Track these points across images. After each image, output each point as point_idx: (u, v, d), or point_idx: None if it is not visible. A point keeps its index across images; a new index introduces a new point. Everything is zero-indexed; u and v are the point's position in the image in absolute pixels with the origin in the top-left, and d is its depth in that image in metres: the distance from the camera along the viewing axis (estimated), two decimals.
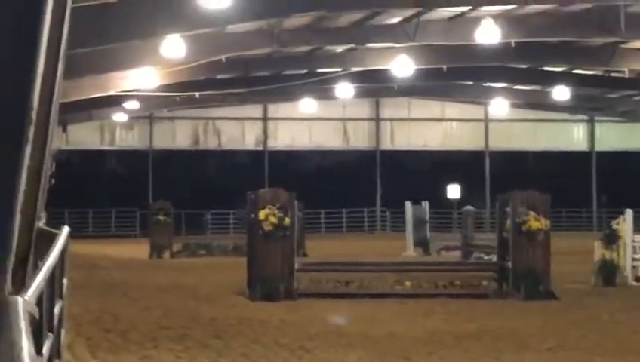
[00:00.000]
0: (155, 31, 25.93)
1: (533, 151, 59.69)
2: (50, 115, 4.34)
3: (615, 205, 46.91)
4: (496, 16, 28.46)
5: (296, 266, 20.47)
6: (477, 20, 28.62)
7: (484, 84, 49.81)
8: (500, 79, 46.41)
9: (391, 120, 58.71)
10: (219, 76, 40.15)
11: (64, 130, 50.45)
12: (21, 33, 2.94)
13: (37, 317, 3.95)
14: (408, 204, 37.94)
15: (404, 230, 38.09)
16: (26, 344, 2.88)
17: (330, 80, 41.90)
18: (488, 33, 27.94)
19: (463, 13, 30.14)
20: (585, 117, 59.77)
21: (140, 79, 35.81)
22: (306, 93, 48.05)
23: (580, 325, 16.03)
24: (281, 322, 16.32)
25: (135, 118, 53.76)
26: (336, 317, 16.86)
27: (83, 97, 35.57)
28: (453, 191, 54.31)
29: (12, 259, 3.17)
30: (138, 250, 36.24)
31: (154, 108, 50.96)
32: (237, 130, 57.06)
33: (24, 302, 3.30)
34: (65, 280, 8.40)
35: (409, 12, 29.65)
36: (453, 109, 58.39)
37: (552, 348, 13.74)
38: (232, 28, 28.71)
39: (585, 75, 43.71)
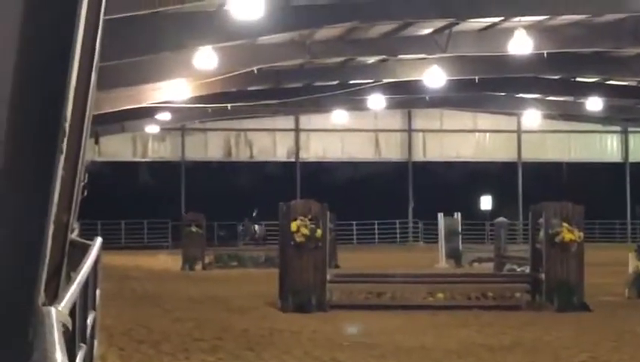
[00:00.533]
0: (186, 43, 26.05)
1: (566, 163, 59.41)
2: (84, 126, 4.35)
3: None
4: (528, 27, 28.38)
5: (328, 278, 20.44)
6: (509, 31, 28.55)
7: (517, 95, 49.66)
8: (533, 90, 46.26)
9: (423, 131, 58.62)
10: (250, 88, 40.26)
11: (96, 141, 50.76)
12: (54, 45, 2.95)
13: (70, 327, 3.96)
14: (440, 216, 37.83)
15: (437, 242, 37.98)
16: (59, 355, 2.89)
17: (362, 91, 41.92)
18: (520, 44, 27.85)
19: (494, 24, 30.08)
20: (618, 128, 59.43)
21: (172, 91, 35.97)
22: (338, 104, 48.07)
23: (614, 337, 15.91)
24: (313, 333, 16.30)
25: (167, 129, 53.99)
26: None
27: (115, 109, 35.77)
28: (486, 202, 54.13)
29: (45, 269, 3.18)
30: (170, 261, 36.35)
31: (186, 119, 51.15)
32: (269, 141, 57.15)
33: (57, 313, 3.31)
34: (97, 291, 8.43)
35: (441, 23, 29.63)
36: (485, 120, 58.23)
37: (585, 361, 13.65)
38: (263, 39, 28.78)
39: (618, 85, 43.50)
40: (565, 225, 20.46)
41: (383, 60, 36.67)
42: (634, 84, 43.12)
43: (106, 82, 24.63)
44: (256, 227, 52.02)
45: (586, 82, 43.57)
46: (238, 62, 31.03)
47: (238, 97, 41.39)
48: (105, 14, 4.43)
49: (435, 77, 34.98)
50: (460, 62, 35.20)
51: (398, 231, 57.80)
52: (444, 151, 58.62)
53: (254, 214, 52.31)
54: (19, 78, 2.88)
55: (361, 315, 18.95)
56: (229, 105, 42.39)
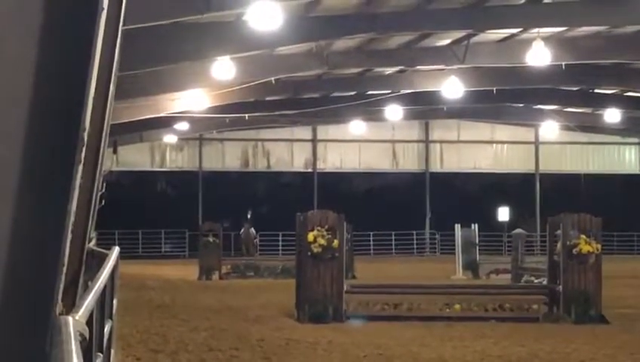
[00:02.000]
0: (205, 53, 26.11)
1: (584, 174, 59.24)
2: (102, 136, 4.37)
3: None
4: (546, 39, 28.33)
5: (344, 288, 20.43)
6: (527, 42, 28.51)
7: (535, 107, 49.54)
8: (551, 101, 46.14)
9: (440, 142, 58.57)
10: (268, 98, 40.29)
11: (115, 151, 50.84)
12: (73, 55, 2.96)
13: (87, 337, 3.97)
14: (458, 227, 37.78)
15: (454, 253, 37.92)
16: None
17: (379, 102, 41.91)
18: (539, 55, 27.81)
19: (513, 35, 30.04)
20: (637, 139, 59.21)
21: (190, 101, 36.05)
22: (356, 114, 48.08)
23: (632, 350, 15.83)
24: (330, 344, 16.28)
25: (185, 139, 54.10)
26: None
27: (134, 119, 35.87)
28: (503, 213, 54.02)
29: (62, 278, 3.18)
30: (187, 271, 36.38)
31: (203, 129, 51.23)
32: (286, 151, 57.19)
33: (74, 322, 3.32)
34: (115, 301, 8.45)
35: (459, 34, 29.61)
36: (503, 131, 58.13)
37: None
38: (281, 50, 28.82)
39: (637, 97, 43.31)
40: (583, 236, 20.39)
41: (401, 71, 36.67)
42: None
43: (124, 92, 24.71)
44: (253, 231, 51.40)
45: (605, 94, 43.45)
46: (256, 73, 31.08)
47: (255, 107, 41.43)
48: (124, 24, 4.44)
49: (452, 88, 34.94)
50: (477, 73, 35.17)
51: (415, 242, 57.73)
52: (462, 162, 58.55)
53: (249, 216, 51.70)
54: (37, 88, 2.89)
55: (378, 326, 18.91)
56: (246, 116, 42.44)
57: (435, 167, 58.70)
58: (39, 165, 2.97)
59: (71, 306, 3.93)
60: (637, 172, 59.77)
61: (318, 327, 18.77)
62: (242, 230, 51.35)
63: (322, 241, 19.94)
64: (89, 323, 4.45)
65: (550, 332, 18.32)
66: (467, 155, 58.41)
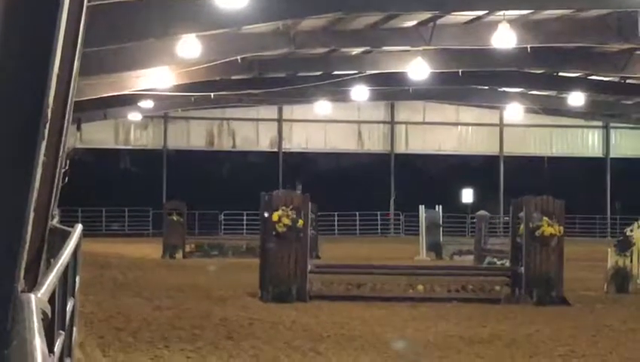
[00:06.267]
0: (170, 30, 25.95)
1: (547, 157, 59.61)
2: (66, 113, 4.34)
3: (629, 212, 46.79)
4: (512, 21, 28.40)
5: (308, 268, 20.46)
6: (493, 25, 28.56)
7: (500, 89, 49.72)
8: (516, 84, 46.31)
9: (406, 123, 58.66)
10: (234, 77, 40.16)
11: (78, 128, 50.54)
12: (37, 31, 2.94)
13: (49, 315, 3.95)
14: (422, 208, 37.90)
15: (418, 234, 38.05)
16: (38, 342, 2.88)
17: (345, 82, 41.88)
18: (504, 38, 27.85)
19: (479, 18, 30.09)
20: (600, 123, 59.63)
21: (155, 79, 35.84)
22: (321, 95, 48.01)
23: (592, 332, 15.98)
24: (293, 324, 16.31)
25: (150, 117, 53.86)
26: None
27: (98, 96, 35.63)
28: (467, 195, 54.27)
29: (25, 256, 3.16)
30: (151, 249, 36.29)
31: (169, 107, 51.01)
32: (252, 131, 57.08)
33: (37, 300, 3.30)
34: (77, 279, 8.42)
35: (425, 15, 29.62)
36: (468, 114, 58.32)
37: (563, 355, 13.70)
38: (248, 28, 28.72)
39: (600, 81, 43.58)
40: (546, 219, 20.53)
41: (367, 52, 36.65)
42: (616, 79, 43.21)
43: (88, 68, 24.53)
44: None
45: (569, 77, 43.65)
46: (222, 51, 30.94)
47: (221, 86, 41.27)
48: (89, 0, 4.41)
49: (418, 69, 34.94)
50: (443, 54, 35.20)
51: (379, 222, 57.86)
52: (427, 143, 58.70)
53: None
54: (1, 64, 2.86)
55: (341, 306, 18.97)
56: (212, 94, 42.28)
57: (400, 148, 58.81)
58: (2, 142, 2.95)
59: (33, 284, 3.91)
60: (600, 155, 60.21)
61: (282, 307, 18.80)
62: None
63: (287, 221, 19.95)
64: (51, 301, 4.43)
65: (512, 314, 18.45)
66: (432, 137, 58.57)
